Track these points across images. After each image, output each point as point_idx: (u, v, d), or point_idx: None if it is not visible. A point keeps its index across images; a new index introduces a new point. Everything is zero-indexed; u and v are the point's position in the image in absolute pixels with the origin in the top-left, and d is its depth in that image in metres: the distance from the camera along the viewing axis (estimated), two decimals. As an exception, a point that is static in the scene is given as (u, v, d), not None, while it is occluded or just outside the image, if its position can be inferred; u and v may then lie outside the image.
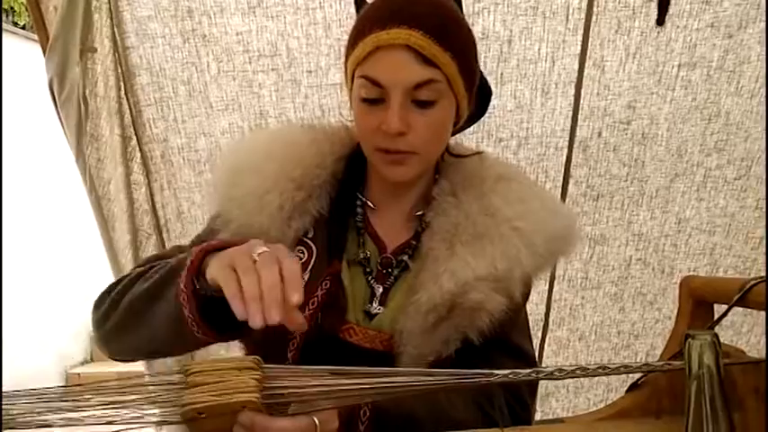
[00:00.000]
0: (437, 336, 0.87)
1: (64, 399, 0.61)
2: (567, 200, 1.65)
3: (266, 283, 0.64)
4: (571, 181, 1.65)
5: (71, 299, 4.52)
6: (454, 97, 0.87)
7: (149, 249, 1.59)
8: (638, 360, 1.78)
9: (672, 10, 1.49)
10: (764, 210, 1.65)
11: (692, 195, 1.67)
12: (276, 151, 0.95)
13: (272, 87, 1.53)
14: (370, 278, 0.93)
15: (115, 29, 1.45)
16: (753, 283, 0.66)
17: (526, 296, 0.97)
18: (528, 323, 1.04)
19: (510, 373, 0.63)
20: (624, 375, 0.71)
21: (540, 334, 1.77)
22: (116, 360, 0.93)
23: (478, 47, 0.91)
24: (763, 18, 1.49)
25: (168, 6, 1.46)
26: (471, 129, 1.03)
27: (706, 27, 1.51)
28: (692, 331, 0.55)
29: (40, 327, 4.22)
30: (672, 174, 1.66)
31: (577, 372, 0.60)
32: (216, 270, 0.69)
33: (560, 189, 1.65)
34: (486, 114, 1.02)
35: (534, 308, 1.74)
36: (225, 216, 0.93)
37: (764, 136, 1.59)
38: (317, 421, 0.68)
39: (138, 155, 1.54)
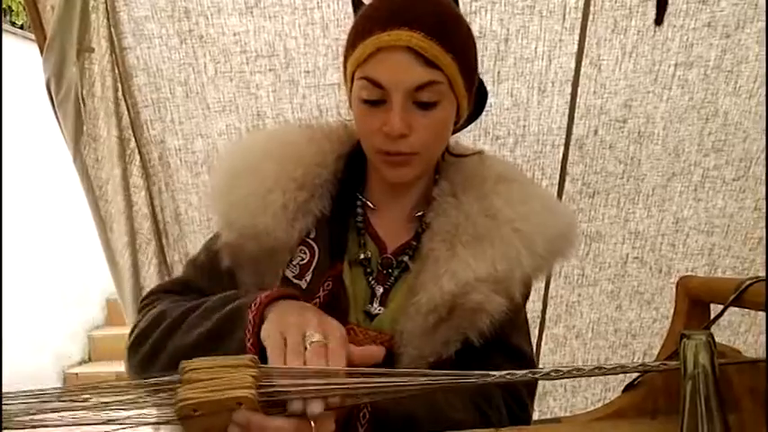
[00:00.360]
0: (437, 337, 0.87)
1: (62, 399, 0.60)
2: (563, 197, 1.66)
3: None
4: (567, 178, 1.66)
5: (69, 299, 4.51)
6: (455, 98, 0.87)
7: (149, 254, 1.59)
8: (635, 359, 1.78)
9: (669, 9, 1.50)
10: (763, 211, 1.65)
11: (690, 195, 1.68)
12: (274, 151, 0.94)
13: (270, 88, 1.53)
14: (370, 279, 0.93)
15: (112, 29, 1.45)
16: (749, 283, 0.67)
17: (526, 297, 0.97)
18: (527, 323, 1.04)
19: (507, 374, 0.63)
20: (622, 375, 0.71)
21: (536, 331, 1.77)
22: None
23: (476, 50, 0.91)
24: (761, 18, 1.50)
25: (165, 7, 1.45)
26: (468, 127, 1.03)
27: (703, 27, 1.51)
28: (688, 331, 0.55)
29: (37, 327, 4.22)
30: (669, 173, 1.66)
31: (573, 372, 0.60)
32: (268, 334, 0.71)
33: (557, 186, 1.65)
34: (484, 112, 1.03)
35: (531, 305, 1.74)
36: (226, 220, 0.93)
37: (764, 136, 1.59)
38: (312, 422, 0.68)
39: (138, 157, 1.54)
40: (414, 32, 0.81)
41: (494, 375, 0.64)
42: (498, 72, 1.55)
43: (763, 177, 1.64)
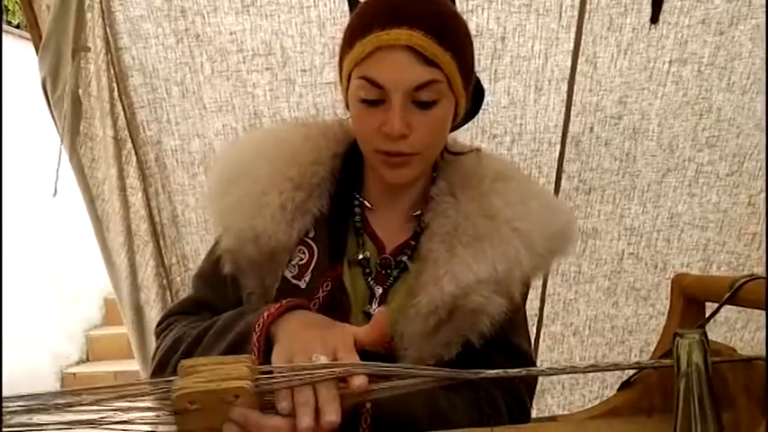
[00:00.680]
0: (438, 339, 0.87)
1: (59, 400, 0.61)
2: (559, 194, 1.66)
3: (321, 399, 0.65)
4: (564, 176, 1.66)
5: (67, 298, 4.51)
6: (453, 96, 0.87)
7: (146, 255, 1.59)
8: (632, 356, 1.79)
9: (663, 7, 1.50)
10: (757, 206, 1.66)
11: (684, 191, 1.68)
12: (268, 151, 0.94)
13: (267, 87, 1.53)
14: (369, 279, 0.93)
15: (107, 29, 1.45)
16: (743, 280, 0.67)
17: (525, 296, 0.97)
18: (526, 322, 1.04)
19: (501, 371, 0.63)
20: (619, 372, 0.72)
21: (534, 329, 1.78)
22: None
23: (473, 48, 0.91)
24: (755, 15, 1.50)
25: (161, 6, 1.45)
26: (465, 126, 1.04)
27: (697, 24, 1.52)
28: (681, 330, 0.56)
29: (35, 326, 4.21)
30: (663, 168, 1.67)
31: (568, 369, 0.61)
32: (276, 357, 0.71)
33: (553, 184, 1.66)
34: (480, 111, 1.03)
35: (529, 303, 1.74)
36: (223, 224, 0.92)
37: (758, 132, 1.60)
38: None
39: (134, 158, 1.54)
40: (413, 31, 0.80)
41: (488, 372, 0.64)
42: (495, 70, 1.55)
43: (757, 172, 1.65)
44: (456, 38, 0.85)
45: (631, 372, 0.78)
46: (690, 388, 0.54)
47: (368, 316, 0.91)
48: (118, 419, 0.61)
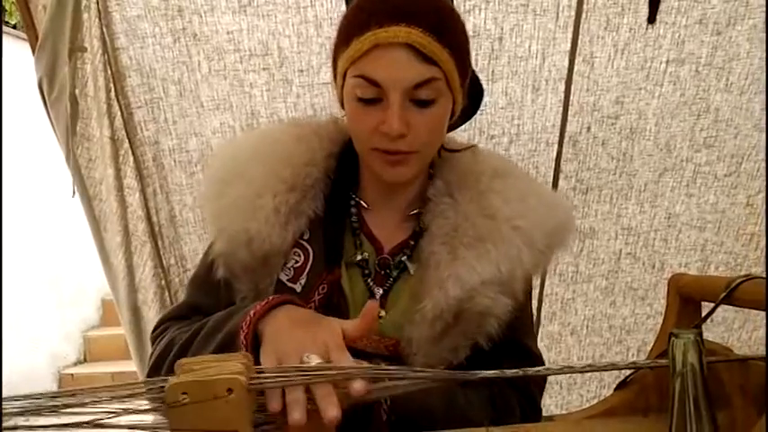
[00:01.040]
0: (445, 344, 0.86)
1: (57, 401, 0.60)
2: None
3: (318, 396, 0.64)
4: (561, 176, 1.66)
5: (64, 299, 4.50)
6: (451, 94, 0.86)
7: (144, 256, 1.58)
8: (629, 355, 1.79)
9: (660, 7, 1.50)
10: (755, 207, 1.66)
11: (682, 191, 1.68)
12: (262, 152, 0.93)
13: (264, 87, 1.53)
14: (368, 280, 0.92)
15: (104, 29, 1.45)
16: (739, 280, 0.67)
17: (528, 293, 0.97)
18: (532, 320, 1.04)
19: (498, 372, 0.63)
20: (617, 372, 0.71)
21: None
22: None
23: (470, 44, 0.90)
24: (752, 15, 1.50)
25: (158, 5, 1.45)
26: (463, 126, 1.04)
27: (694, 24, 1.52)
28: (677, 330, 0.56)
29: (32, 327, 4.21)
30: (660, 168, 1.67)
31: (565, 370, 0.61)
32: (265, 356, 0.70)
33: (551, 184, 1.66)
34: (478, 111, 1.03)
35: (527, 303, 1.74)
36: (217, 227, 0.91)
37: (763, 136, 1.60)
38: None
39: (131, 159, 1.53)
40: (412, 28, 0.79)
41: (485, 373, 0.64)
42: (492, 71, 1.55)
43: (755, 173, 1.65)
44: (454, 35, 0.84)
45: (628, 371, 0.78)
46: (685, 388, 0.54)
47: None
48: (115, 420, 0.60)
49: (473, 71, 0.96)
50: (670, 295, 0.78)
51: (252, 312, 0.77)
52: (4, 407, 0.58)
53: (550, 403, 1.83)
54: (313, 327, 0.73)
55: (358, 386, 0.63)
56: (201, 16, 1.47)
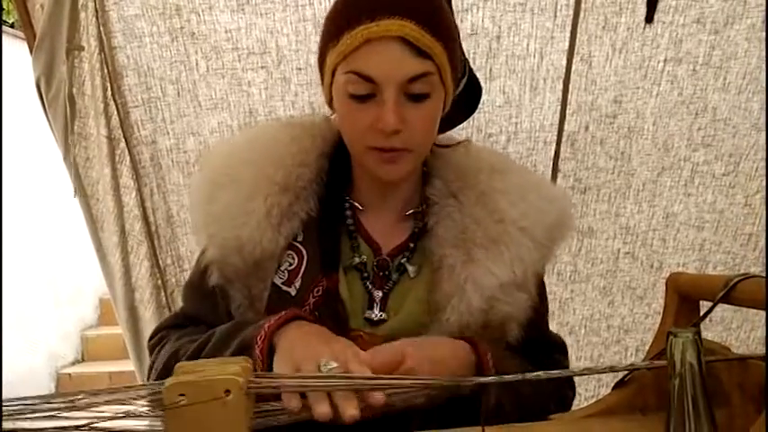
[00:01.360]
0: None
1: (55, 403, 0.60)
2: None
3: (336, 398, 0.63)
4: (559, 175, 1.66)
5: (62, 298, 4.49)
6: (444, 88, 0.85)
7: (140, 255, 1.58)
8: (628, 355, 1.79)
9: (658, 6, 1.50)
10: (753, 206, 1.66)
11: (680, 190, 1.68)
12: (253, 154, 0.91)
13: (262, 85, 1.53)
14: (367, 283, 0.90)
15: (101, 28, 1.44)
16: (737, 280, 0.67)
17: (542, 287, 0.97)
18: (547, 311, 1.03)
19: (498, 377, 0.63)
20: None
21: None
22: None
23: (467, 43, 0.90)
24: (750, 15, 1.50)
25: (156, 4, 1.45)
26: (461, 125, 1.03)
27: (692, 23, 1.52)
28: (675, 329, 0.56)
29: (30, 327, 4.20)
30: (659, 168, 1.67)
31: (564, 372, 0.61)
32: (281, 365, 0.70)
33: (549, 184, 1.66)
34: (476, 110, 1.02)
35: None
36: (207, 233, 0.90)
37: (760, 136, 1.60)
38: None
39: (128, 158, 1.53)
40: (405, 21, 0.77)
41: (485, 379, 0.64)
42: (490, 69, 1.55)
43: (753, 173, 1.65)
44: (447, 28, 0.83)
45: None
46: (683, 387, 0.54)
47: (370, 322, 0.89)
48: (113, 423, 0.60)
49: (471, 69, 0.95)
50: (668, 294, 0.78)
51: (267, 326, 0.76)
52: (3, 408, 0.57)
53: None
54: (328, 338, 0.73)
55: (378, 397, 0.63)
56: (199, 15, 1.47)
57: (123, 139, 1.52)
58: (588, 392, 1.82)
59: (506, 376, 0.65)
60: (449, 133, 1.04)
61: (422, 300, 0.89)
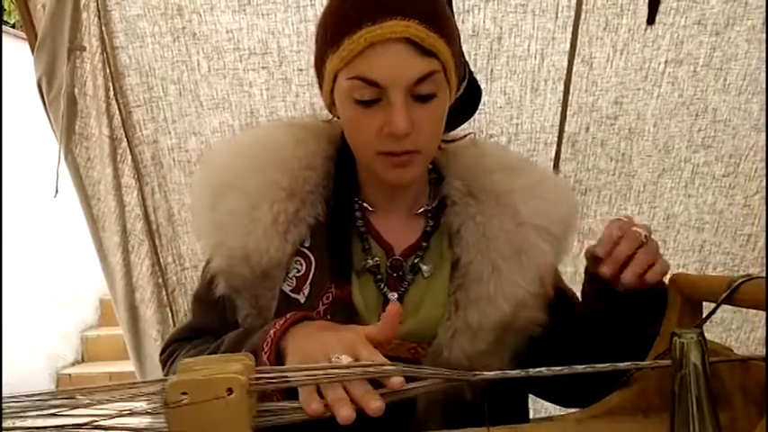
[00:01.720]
0: (488, 356, 0.85)
1: (56, 401, 0.60)
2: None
3: (356, 394, 0.62)
4: (560, 176, 1.66)
5: (62, 299, 4.50)
6: (448, 86, 0.83)
7: (141, 255, 1.58)
8: (628, 356, 1.79)
9: (659, 7, 1.50)
10: (752, 207, 1.66)
11: (680, 191, 1.68)
12: (258, 158, 0.89)
13: (263, 86, 1.53)
14: (381, 285, 0.88)
15: (103, 28, 1.45)
16: (740, 281, 0.67)
17: (556, 278, 0.97)
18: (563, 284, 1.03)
19: (499, 373, 0.63)
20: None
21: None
22: None
23: (468, 45, 0.90)
24: (750, 16, 1.51)
25: (158, 4, 1.45)
26: (462, 125, 1.03)
27: (693, 24, 1.52)
28: (679, 329, 0.56)
29: (30, 327, 4.20)
30: (659, 169, 1.67)
31: (566, 370, 0.61)
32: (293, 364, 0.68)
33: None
34: (477, 111, 1.02)
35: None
36: (212, 242, 0.88)
37: (760, 137, 1.60)
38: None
39: (129, 157, 1.53)
40: (409, 21, 0.75)
41: (486, 374, 0.64)
42: (491, 70, 1.55)
43: (752, 174, 1.65)
44: (449, 23, 0.82)
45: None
46: (687, 388, 0.54)
47: None
48: (113, 421, 0.60)
49: (471, 72, 0.95)
50: (671, 295, 0.78)
51: (272, 332, 0.74)
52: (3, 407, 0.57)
53: (549, 404, 1.82)
54: (336, 329, 0.72)
55: (397, 381, 0.61)
56: (201, 15, 1.47)
57: (125, 139, 1.52)
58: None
59: (510, 372, 0.65)
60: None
61: (440, 302, 0.88)
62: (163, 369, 0.95)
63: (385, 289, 0.88)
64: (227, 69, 1.51)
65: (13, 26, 4.26)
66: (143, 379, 1.61)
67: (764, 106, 1.57)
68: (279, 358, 0.73)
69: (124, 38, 1.47)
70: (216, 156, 0.96)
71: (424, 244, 0.90)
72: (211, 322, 0.94)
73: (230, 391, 0.59)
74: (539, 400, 1.72)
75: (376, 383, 0.63)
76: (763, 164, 1.63)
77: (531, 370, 0.62)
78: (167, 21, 1.46)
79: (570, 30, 1.52)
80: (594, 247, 0.82)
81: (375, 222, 0.92)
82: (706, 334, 0.60)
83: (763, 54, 1.53)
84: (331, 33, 0.80)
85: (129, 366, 1.79)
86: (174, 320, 1.62)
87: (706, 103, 1.60)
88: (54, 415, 0.58)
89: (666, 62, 1.57)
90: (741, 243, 1.69)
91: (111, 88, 1.48)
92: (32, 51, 1.47)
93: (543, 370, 0.63)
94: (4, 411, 0.57)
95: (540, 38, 1.53)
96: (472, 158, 0.93)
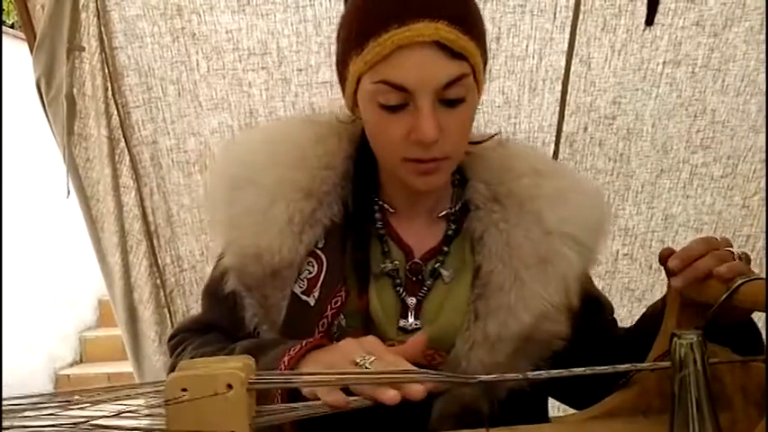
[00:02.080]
0: (508, 367, 0.81)
1: (55, 401, 0.60)
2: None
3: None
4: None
5: (61, 300, 4.49)
6: (477, 87, 0.80)
7: (140, 255, 1.58)
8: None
9: (657, 8, 1.51)
10: (750, 208, 1.67)
11: (679, 192, 1.69)
12: (277, 155, 0.86)
13: (263, 86, 1.52)
14: (400, 290, 0.86)
15: (102, 28, 1.44)
16: (740, 282, 0.67)
17: (585, 284, 0.92)
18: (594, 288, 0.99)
19: (498, 377, 0.63)
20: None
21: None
22: None
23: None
24: (749, 17, 1.51)
25: (157, 5, 1.45)
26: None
27: (691, 25, 1.52)
28: (678, 331, 0.56)
29: (29, 328, 4.19)
30: (657, 170, 1.67)
31: (565, 372, 0.61)
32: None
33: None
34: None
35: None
36: (226, 239, 0.86)
37: (758, 138, 1.60)
38: None
39: (127, 158, 1.52)
40: (438, 23, 0.72)
41: (484, 378, 0.64)
42: (489, 70, 1.53)
43: (751, 175, 1.65)
44: (477, 22, 0.78)
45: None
46: (687, 389, 0.54)
47: (404, 331, 0.85)
48: (113, 421, 0.60)
49: None
50: (670, 296, 0.78)
51: (286, 360, 0.72)
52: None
53: (550, 405, 1.82)
54: (353, 341, 0.70)
55: (418, 389, 0.61)
56: (200, 15, 1.47)
57: (123, 139, 1.51)
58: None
59: (507, 375, 0.65)
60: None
61: (461, 309, 0.85)
62: (171, 355, 0.94)
63: (403, 294, 0.86)
64: (227, 70, 1.51)
65: (12, 26, 4.25)
66: (141, 380, 1.61)
67: (762, 107, 1.57)
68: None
69: (123, 38, 1.46)
70: (231, 150, 0.93)
71: (445, 248, 0.88)
72: (220, 318, 0.92)
73: (230, 387, 0.59)
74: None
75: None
76: (761, 165, 1.63)
77: (529, 374, 0.63)
78: (167, 21, 1.46)
79: (568, 30, 1.52)
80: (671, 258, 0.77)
81: (395, 224, 0.89)
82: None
83: (761, 55, 1.53)
84: (355, 34, 0.77)
85: (127, 367, 1.79)
86: (172, 321, 1.62)
87: (704, 104, 1.60)
88: (53, 415, 0.58)
89: (665, 63, 1.57)
90: (740, 244, 1.69)
91: (110, 89, 1.48)
92: (31, 51, 1.46)
93: (542, 373, 0.63)
94: (3, 411, 0.57)
95: (539, 38, 1.53)
96: (498, 160, 0.90)
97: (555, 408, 1.80)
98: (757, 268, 1.68)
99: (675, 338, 0.56)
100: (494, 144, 0.92)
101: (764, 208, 1.65)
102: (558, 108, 1.60)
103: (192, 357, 0.86)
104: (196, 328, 0.95)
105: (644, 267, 1.76)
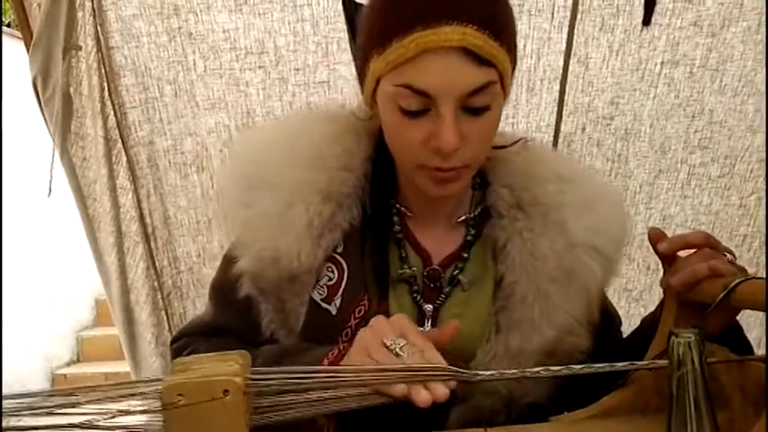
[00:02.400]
0: (528, 384, 0.81)
1: (52, 401, 0.60)
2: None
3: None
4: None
5: (57, 299, 4.48)
6: (504, 94, 0.76)
7: (137, 257, 1.57)
8: (624, 356, 1.79)
9: (655, 8, 1.51)
10: (747, 208, 1.67)
11: (677, 192, 1.69)
12: (293, 154, 0.82)
13: (260, 85, 1.52)
14: (417, 296, 0.84)
15: (99, 27, 1.44)
16: (737, 281, 0.67)
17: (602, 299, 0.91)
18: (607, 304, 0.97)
19: (495, 373, 0.63)
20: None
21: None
22: None
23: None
24: (746, 18, 1.51)
25: (154, 4, 1.44)
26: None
27: (689, 26, 1.53)
28: (676, 330, 0.56)
29: (25, 327, 4.18)
30: (655, 170, 1.67)
31: (564, 371, 0.61)
32: (352, 361, 0.67)
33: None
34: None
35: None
36: (241, 241, 0.83)
37: (756, 138, 1.61)
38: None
39: (124, 159, 1.51)
40: (466, 27, 0.68)
41: (483, 374, 0.64)
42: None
43: (748, 174, 1.65)
44: (509, 28, 0.74)
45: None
46: (685, 388, 0.54)
47: None
48: (110, 420, 0.60)
49: None
50: (668, 296, 0.78)
51: (326, 363, 0.71)
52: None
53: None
54: (385, 318, 0.70)
55: (442, 390, 0.61)
56: (197, 15, 1.46)
57: (120, 140, 1.51)
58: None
59: (506, 372, 0.65)
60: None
61: (481, 318, 0.83)
62: (175, 355, 0.91)
63: (420, 300, 0.83)
64: (224, 69, 1.50)
65: (9, 25, 4.25)
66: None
67: (760, 107, 1.57)
68: None
69: (120, 38, 1.46)
70: (246, 147, 0.89)
71: (465, 254, 0.85)
72: (232, 321, 0.89)
73: (226, 392, 0.59)
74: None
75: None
76: (758, 165, 1.63)
77: (527, 370, 0.62)
78: (163, 20, 1.46)
79: (566, 30, 1.52)
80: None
81: (413, 228, 0.87)
82: (702, 335, 0.60)
83: (759, 56, 1.53)
84: (378, 32, 0.73)
85: (124, 366, 1.79)
86: (169, 324, 1.61)
87: (702, 105, 1.60)
88: (50, 414, 0.58)
89: (662, 63, 1.57)
90: (737, 244, 1.70)
91: (107, 89, 1.47)
92: (28, 50, 1.46)
93: (540, 370, 0.63)
94: (2, 410, 0.57)
95: (536, 38, 1.53)
96: (521, 165, 0.86)
97: (553, 408, 1.81)
98: (754, 267, 1.68)
99: (673, 337, 0.56)
100: (517, 148, 0.88)
101: (761, 208, 1.65)
102: (555, 108, 1.60)
103: None
104: (203, 331, 0.92)
105: (641, 268, 1.76)
